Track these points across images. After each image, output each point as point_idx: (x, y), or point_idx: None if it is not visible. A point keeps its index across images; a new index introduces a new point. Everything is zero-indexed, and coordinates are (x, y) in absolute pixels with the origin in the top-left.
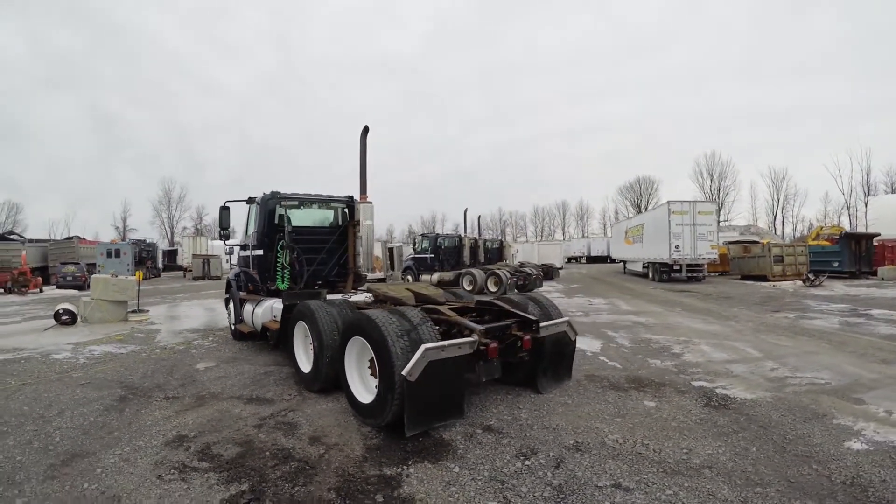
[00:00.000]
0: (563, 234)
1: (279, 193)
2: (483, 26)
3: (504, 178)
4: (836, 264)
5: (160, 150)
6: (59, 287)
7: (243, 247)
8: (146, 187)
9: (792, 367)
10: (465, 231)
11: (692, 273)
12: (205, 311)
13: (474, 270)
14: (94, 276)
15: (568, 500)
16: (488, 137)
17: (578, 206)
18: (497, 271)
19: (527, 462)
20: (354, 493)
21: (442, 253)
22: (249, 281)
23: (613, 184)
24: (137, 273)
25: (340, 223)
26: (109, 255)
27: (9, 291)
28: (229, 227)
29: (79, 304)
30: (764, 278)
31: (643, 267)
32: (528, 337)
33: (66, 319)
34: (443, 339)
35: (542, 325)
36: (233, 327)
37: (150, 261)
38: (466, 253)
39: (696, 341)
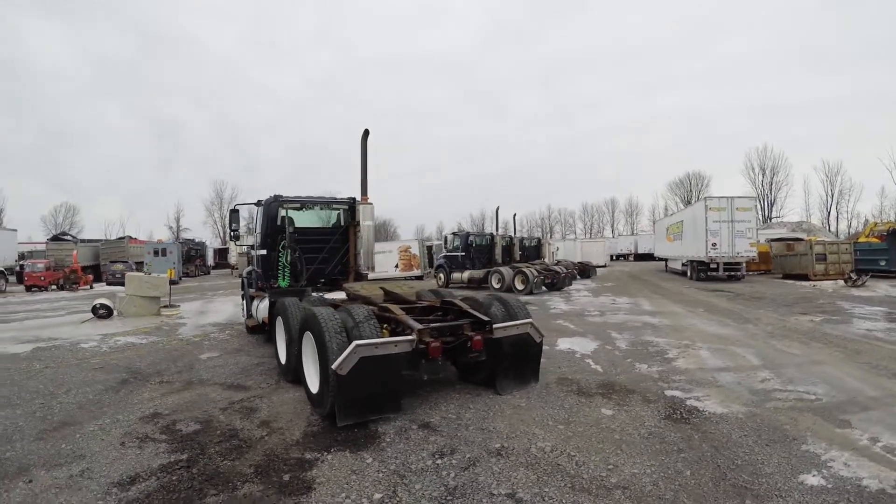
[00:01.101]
0: (612, 231)
1: (281, 196)
2: (535, 21)
3: (555, 174)
4: (882, 263)
5: (216, 153)
6: (108, 284)
7: (252, 246)
8: (201, 188)
9: (786, 379)
10: (497, 229)
11: (730, 272)
12: (234, 306)
13: (503, 269)
14: (128, 273)
15: (454, 502)
16: (542, 134)
17: (627, 202)
18: (524, 269)
19: (439, 461)
20: (269, 470)
21: (473, 251)
22: (258, 279)
23: (663, 180)
24: (168, 271)
25: (343, 224)
26: (157, 253)
27: (61, 288)
28: (239, 227)
29: (115, 300)
30: (806, 277)
31: (682, 265)
32: (478, 337)
33: (103, 313)
34: (390, 337)
35: (496, 325)
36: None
37: (199, 259)
38: (498, 251)
39: (698, 345)
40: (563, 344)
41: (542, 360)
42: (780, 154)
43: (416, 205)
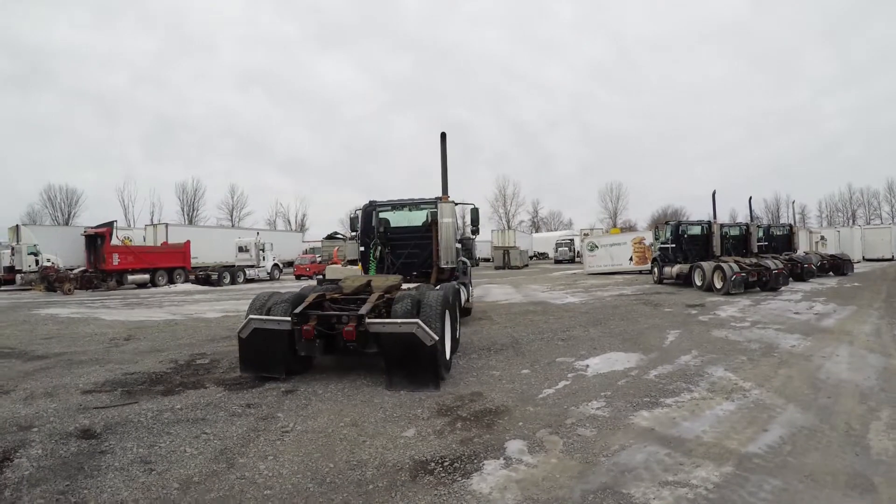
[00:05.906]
0: None
1: (374, 201)
2: None
3: (856, 148)
4: None
5: (506, 150)
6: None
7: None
8: (489, 187)
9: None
10: (716, 216)
11: None
12: None
13: (704, 264)
14: (327, 265)
15: (175, 426)
16: (838, 101)
17: None
18: (722, 265)
19: (233, 407)
20: (182, 384)
21: (685, 242)
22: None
23: None
24: (358, 265)
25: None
26: None
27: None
28: (359, 229)
29: None
30: None
31: None
32: (349, 328)
33: None
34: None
35: (370, 321)
36: None
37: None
38: (716, 242)
39: (758, 392)
40: (596, 362)
41: (536, 370)
42: None
43: (709, 191)
